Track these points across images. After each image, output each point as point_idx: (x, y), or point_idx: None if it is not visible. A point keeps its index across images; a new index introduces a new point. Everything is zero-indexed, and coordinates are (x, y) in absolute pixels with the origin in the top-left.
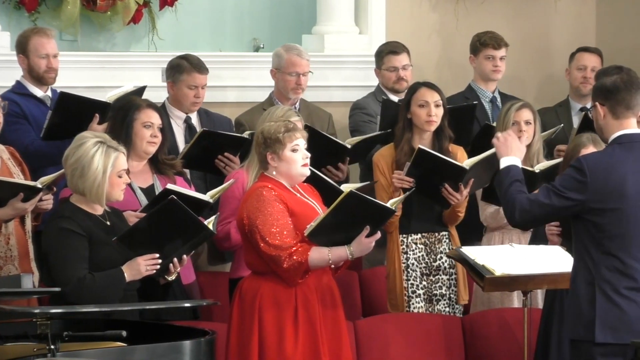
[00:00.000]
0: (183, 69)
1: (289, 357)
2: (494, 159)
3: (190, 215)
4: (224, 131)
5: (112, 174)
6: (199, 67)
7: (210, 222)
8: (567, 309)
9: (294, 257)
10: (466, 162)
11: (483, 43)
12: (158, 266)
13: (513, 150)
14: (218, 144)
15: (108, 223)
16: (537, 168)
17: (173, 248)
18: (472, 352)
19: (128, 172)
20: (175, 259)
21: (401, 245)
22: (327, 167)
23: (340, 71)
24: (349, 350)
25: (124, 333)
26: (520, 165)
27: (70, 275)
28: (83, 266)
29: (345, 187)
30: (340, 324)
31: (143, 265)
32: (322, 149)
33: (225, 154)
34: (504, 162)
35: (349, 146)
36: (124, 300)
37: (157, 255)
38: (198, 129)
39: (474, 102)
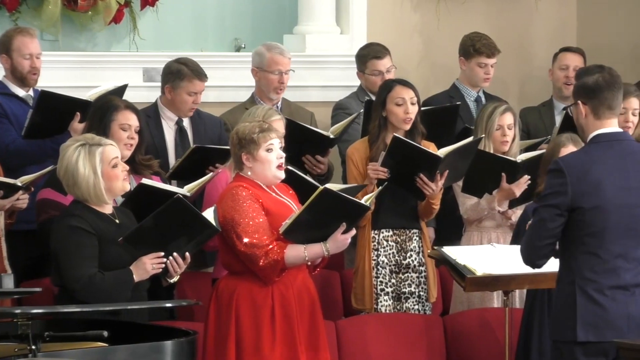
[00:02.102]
0: (184, 75)
1: (266, 356)
2: (470, 148)
3: (195, 213)
4: (214, 131)
5: (104, 169)
6: (199, 73)
7: (210, 217)
8: (547, 311)
9: (270, 255)
10: (441, 151)
11: (477, 50)
12: (164, 265)
13: None
14: (209, 156)
15: (117, 221)
16: (519, 158)
17: (177, 246)
18: (453, 352)
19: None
20: (178, 260)
21: (372, 242)
22: (306, 156)
23: (321, 71)
24: (327, 348)
25: (105, 333)
26: None
27: (80, 273)
28: (93, 264)
29: (332, 187)
30: (318, 322)
31: (149, 264)
32: (305, 142)
33: (217, 165)
34: None
35: (332, 136)
36: (134, 300)
37: (162, 253)
38: (189, 130)
39: (457, 103)
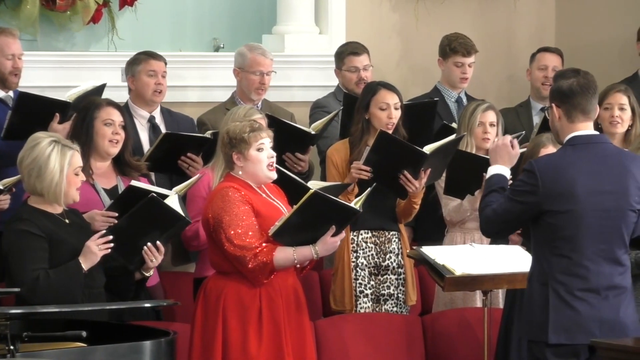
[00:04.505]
0: (139, 60)
1: (253, 357)
2: (451, 146)
3: (169, 209)
4: (187, 131)
5: (69, 172)
6: (153, 55)
7: (177, 207)
8: (522, 309)
9: (259, 258)
10: (426, 148)
11: (453, 49)
12: (112, 244)
13: (503, 158)
14: (180, 145)
15: (67, 221)
16: None
17: (151, 241)
18: (432, 351)
19: (91, 171)
20: (152, 249)
21: (351, 243)
22: (287, 154)
23: (300, 71)
24: (314, 351)
25: (84, 333)
26: (507, 174)
27: (24, 277)
28: (40, 266)
29: (314, 184)
30: (305, 325)
31: (94, 246)
32: (287, 138)
33: (188, 154)
34: (490, 171)
35: (313, 132)
36: (91, 299)
37: (104, 231)
38: (162, 128)
39: (435, 99)
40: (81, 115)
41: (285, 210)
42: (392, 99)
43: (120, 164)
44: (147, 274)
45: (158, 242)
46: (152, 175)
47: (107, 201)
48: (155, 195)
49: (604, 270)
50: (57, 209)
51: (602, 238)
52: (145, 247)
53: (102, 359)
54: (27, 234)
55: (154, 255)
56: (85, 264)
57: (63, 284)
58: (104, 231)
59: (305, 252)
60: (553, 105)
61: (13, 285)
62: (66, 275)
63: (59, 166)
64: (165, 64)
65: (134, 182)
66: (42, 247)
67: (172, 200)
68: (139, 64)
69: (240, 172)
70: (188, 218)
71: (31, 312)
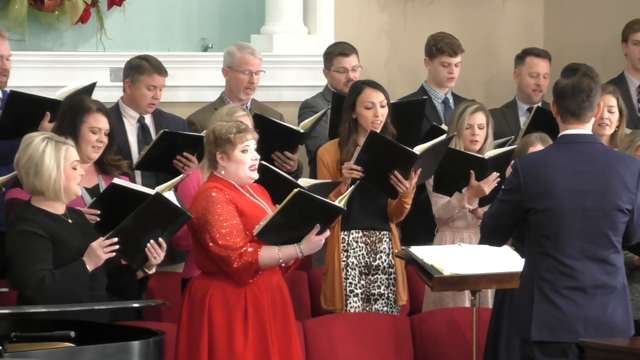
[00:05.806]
0: (143, 69)
1: (239, 356)
2: (441, 147)
3: (173, 206)
4: (178, 130)
5: (66, 167)
6: (159, 68)
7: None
8: (512, 306)
9: (244, 258)
10: (417, 148)
11: (440, 49)
12: (117, 246)
13: None
14: (176, 144)
15: (70, 221)
16: (487, 155)
17: (154, 238)
18: (420, 351)
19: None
20: (155, 246)
21: (342, 243)
22: (275, 153)
23: (289, 71)
24: (299, 350)
25: (72, 334)
26: None
27: (30, 279)
28: (44, 267)
29: (305, 182)
30: (290, 324)
31: (99, 249)
32: (275, 137)
33: (184, 153)
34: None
35: (302, 130)
36: (93, 301)
37: (109, 233)
38: (151, 128)
39: (424, 97)
40: (69, 115)
41: (269, 210)
42: (377, 98)
43: (102, 163)
44: (149, 272)
45: (160, 239)
46: (137, 174)
47: (89, 200)
48: (160, 192)
49: (590, 269)
50: (60, 209)
51: (586, 237)
52: (148, 245)
53: (91, 359)
54: (30, 235)
55: (157, 252)
56: (89, 265)
57: (69, 285)
58: (109, 233)
59: (290, 251)
60: (553, 100)
61: (18, 286)
62: (71, 276)
63: (55, 162)
64: (167, 75)
65: (116, 180)
66: (46, 247)
67: (169, 195)
68: (142, 73)
69: (222, 172)
70: (189, 213)
71: (19, 312)
